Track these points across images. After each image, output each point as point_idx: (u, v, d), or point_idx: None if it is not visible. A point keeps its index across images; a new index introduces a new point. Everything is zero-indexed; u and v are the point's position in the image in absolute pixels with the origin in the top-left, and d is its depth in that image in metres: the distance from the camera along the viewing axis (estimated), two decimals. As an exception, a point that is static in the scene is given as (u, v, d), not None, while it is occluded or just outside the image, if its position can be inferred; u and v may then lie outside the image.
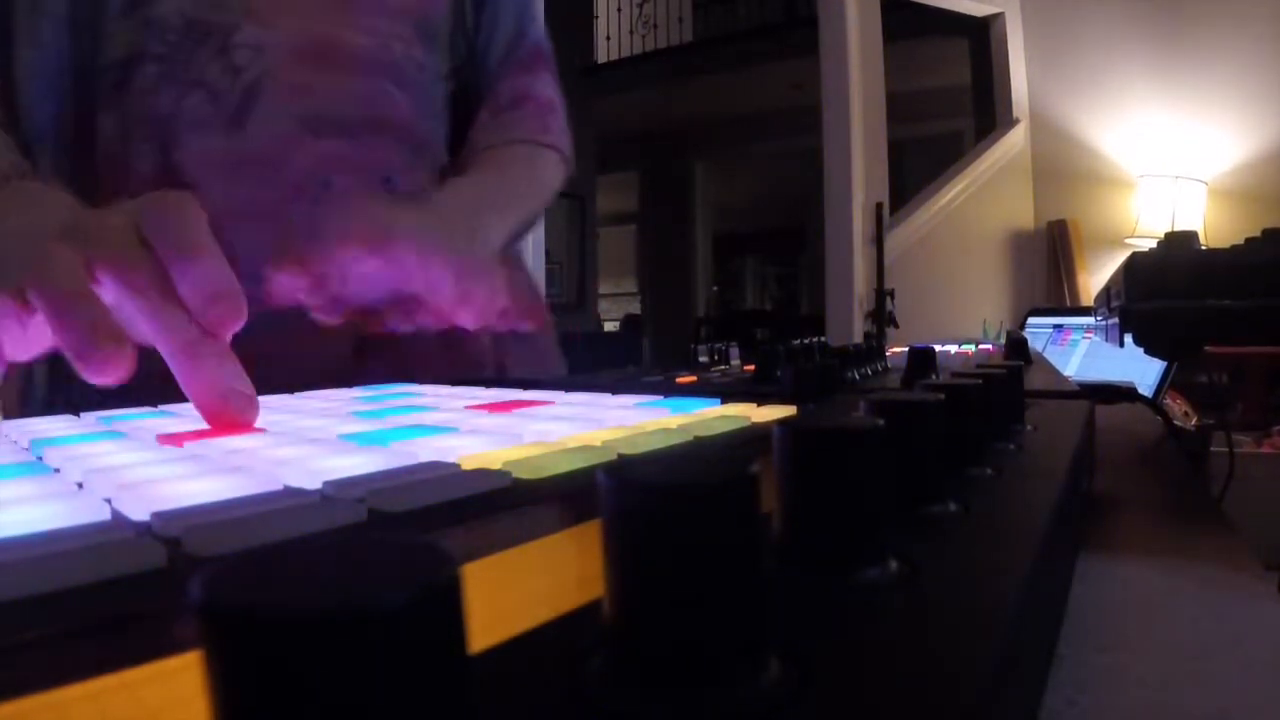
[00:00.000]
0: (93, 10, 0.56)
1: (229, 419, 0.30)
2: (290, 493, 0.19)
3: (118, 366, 0.30)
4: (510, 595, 0.13)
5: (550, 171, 0.70)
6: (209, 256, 0.32)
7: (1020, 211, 3.25)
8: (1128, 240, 2.94)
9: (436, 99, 0.67)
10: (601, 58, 5.65)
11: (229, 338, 0.32)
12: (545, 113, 0.71)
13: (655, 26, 5.66)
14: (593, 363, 0.90)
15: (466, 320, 0.52)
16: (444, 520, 0.18)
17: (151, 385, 0.35)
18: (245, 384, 0.31)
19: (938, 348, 0.63)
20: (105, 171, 0.56)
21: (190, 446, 0.27)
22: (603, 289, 6.39)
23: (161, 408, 0.41)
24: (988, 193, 3.14)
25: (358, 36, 0.60)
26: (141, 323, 0.31)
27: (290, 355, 0.49)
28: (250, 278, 0.52)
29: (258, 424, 0.31)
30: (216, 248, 0.32)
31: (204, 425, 0.30)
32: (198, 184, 0.54)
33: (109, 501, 0.19)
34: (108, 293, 0.31)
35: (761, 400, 0.36)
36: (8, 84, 0.57)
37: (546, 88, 0.72)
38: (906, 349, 0.53)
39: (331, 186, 0.58)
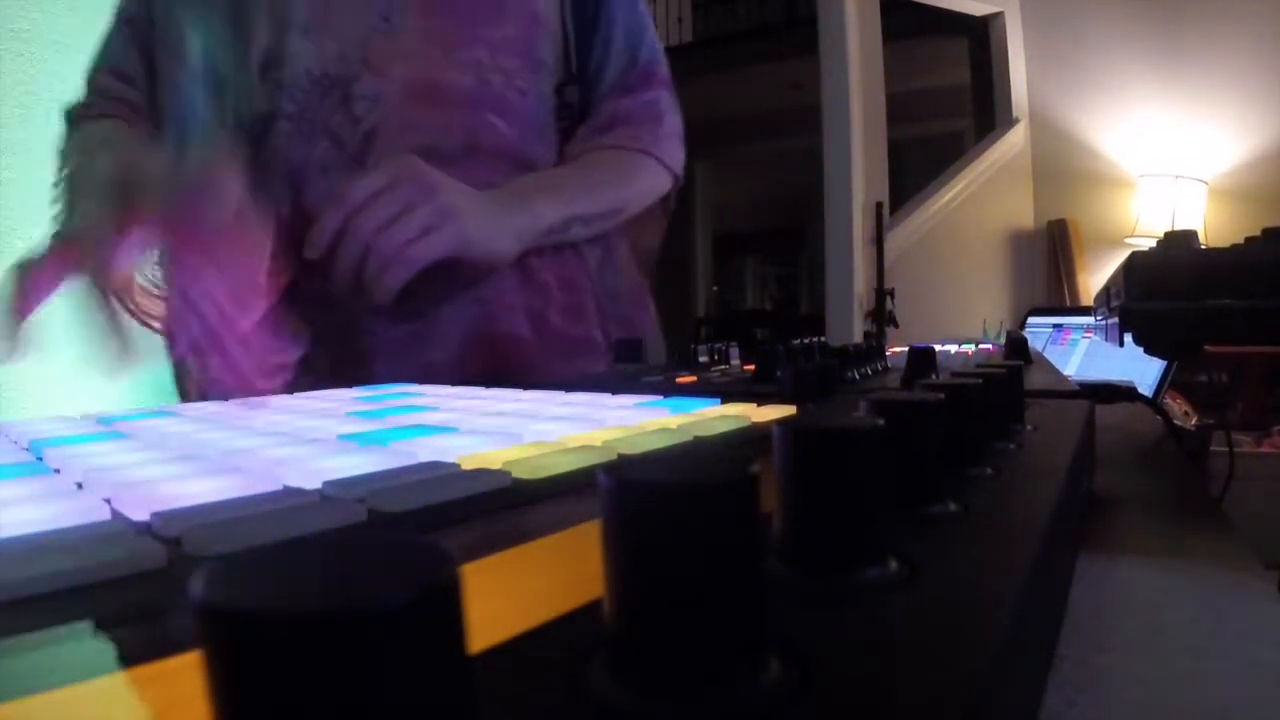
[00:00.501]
0: (234, 68, 0.64)
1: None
2: (290, 493, 0.19)
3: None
4: (510, 595, 0.13)
5: (639, 171, 0.75)
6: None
7: (1020, 211, 3.25)
8: (1128, 240, 2.94)
9: (542, 117, 0.72)
10: (601, 58, 5.64)
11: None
12: (641, 124, 0.76)
13: (655, 26, 5.66)
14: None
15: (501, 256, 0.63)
16: (444, 520, 0.18)
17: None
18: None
19: (938, 347, 0.63)
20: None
21: (185, 446, 0.27)
22: (603, 289, 6.38)
23: (161, 408, 0.41)
24: (988, 193, 3.14)
25: (460, 76, 0.66)
26: None
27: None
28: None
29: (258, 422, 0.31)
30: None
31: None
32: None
33: (109, 501, 0.19)
34: None
35: (761, 400, 0.36)
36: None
37: (650, 104, 0.77)
38: (906, 349, 0.53)
39: None
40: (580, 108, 0.76)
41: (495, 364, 0.66)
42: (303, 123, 0.63)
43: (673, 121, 0.79)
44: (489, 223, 0.62)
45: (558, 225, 0.68)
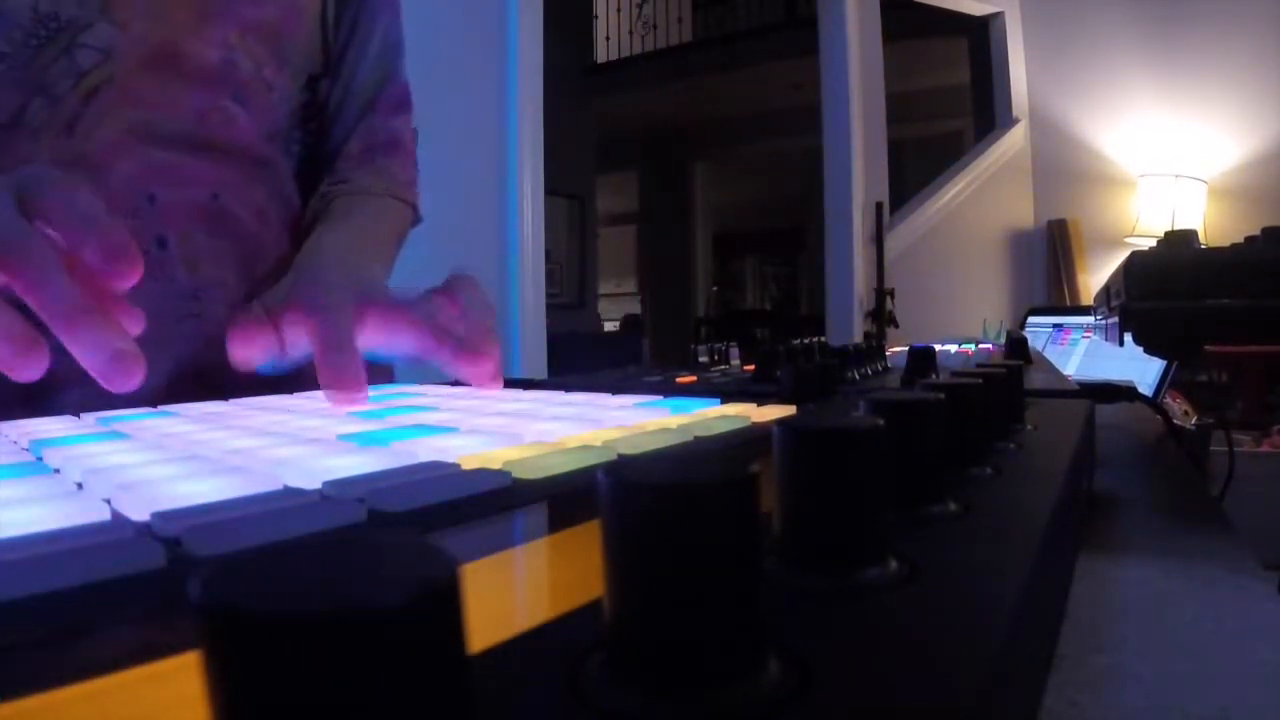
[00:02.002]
0: None
1: (118, 378, 0.33)
2: (290, 493, 0.19)
3: (40, 363, 0.33)
4: (510, 595, 0.13)
5: (407, 227, 0.71)
6: (104, 219, 0.35)
7: (1020, 211, 3.25)
8: (1128, 239, 2.94)
9: (283, 118, 0.65)
10: (601, 58, 5.65)
11: (124, 290, 0.36)
12: (411, 165, 0.71)
13: (655, 26, 5.66)
14: (593, 363, 0.90)
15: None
16: (444, 520, 0.18)
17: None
18: (129, 344, 0.34)
19: (938, 347, 0.63)
20: None
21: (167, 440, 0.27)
22: (603, 289, 6.39)
23: (162, 408, 0.41)
24: (988, 192, 3.14)
25: (206, 49, 0.57)
26: (29, 299, 0.34)
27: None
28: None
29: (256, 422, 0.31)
30: (106, 211, 0.36)
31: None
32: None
33: (109, 501, 0.19)
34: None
35: (761, 400, 0.36)
36: None
37: (410, 134, 0.72)
38: (906, 349, 0.53)
39: (155, 201, 0.55)
40: (332, 110, 0.69)
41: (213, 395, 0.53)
42: (14, 66, 0.51)
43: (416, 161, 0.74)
44: None
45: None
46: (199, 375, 0.54)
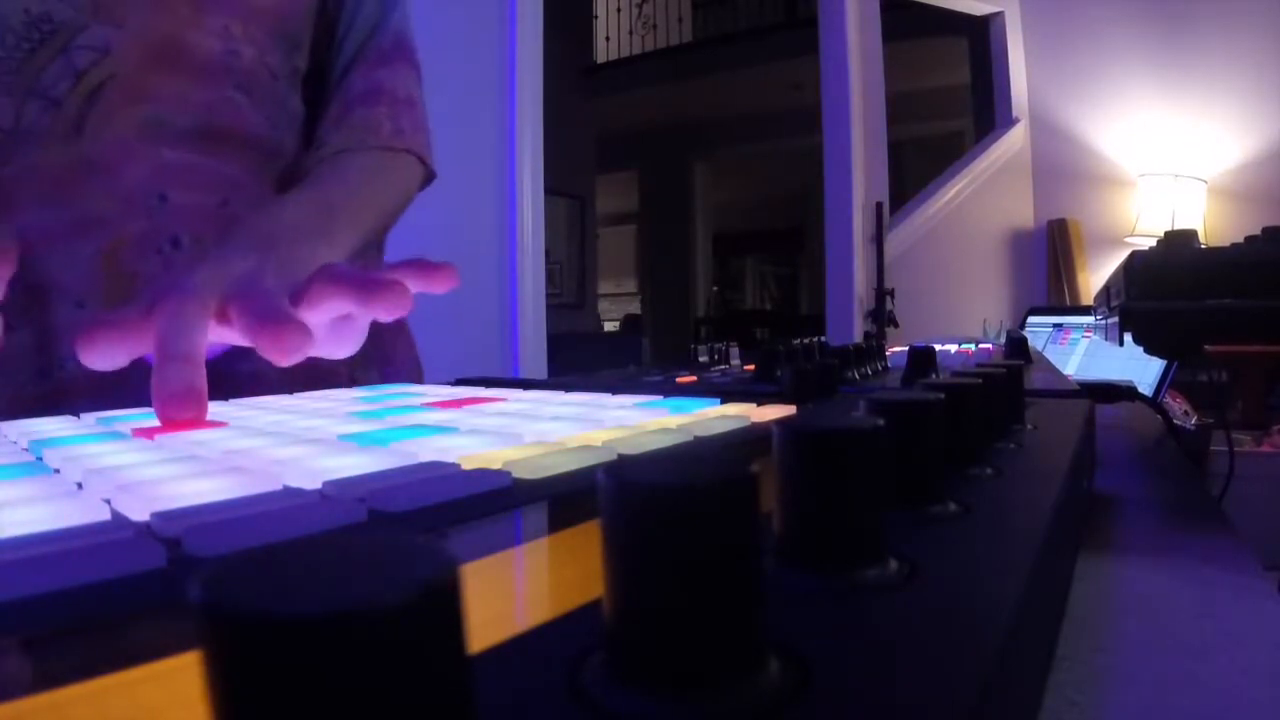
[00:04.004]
0: None
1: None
2: (290, 493, 0.19)
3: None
4: (510, 595, 0.13)
5: (403, 177, 0.66)
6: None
7: (1020, 211, 3.26)
8: (1128, 239, 2.94)
9: (292, 107, 0.63)
10: (601, 58, 5.65)
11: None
12: (400, 112, 0.66)
13: (655, 26, 5.66)
14: (593, 363, 0.90)
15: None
16: (444, 520, 0.18)
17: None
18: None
19: (938, 347, 0.63)
20: None
21: (167, 440, 0.27)
22: (603, 289, 6.39)
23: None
24: (988, 192, 3.14)
25: (207, 39, 0.56)
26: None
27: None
28: (73, 302, 0.51)
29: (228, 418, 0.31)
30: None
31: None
32: (19, 202, 0.50)
33: (109, 501, 0.19)
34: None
35: (761, 400, 0.36)
36: None
37: (404, 82, 0.67)
38: (906, 349, 0.53)
39: (167, 202, 0.55)
40: (321, 72, 0.66)
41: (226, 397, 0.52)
42: (8, 68, 0.51)
43: (424, 107, 0.68)
44: None
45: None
46: (216, 375, 0.53)
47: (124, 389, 0.49)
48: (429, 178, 0.69)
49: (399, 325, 0.70)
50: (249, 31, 0.59)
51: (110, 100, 0.53)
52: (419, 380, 0.69)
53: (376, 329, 0.48)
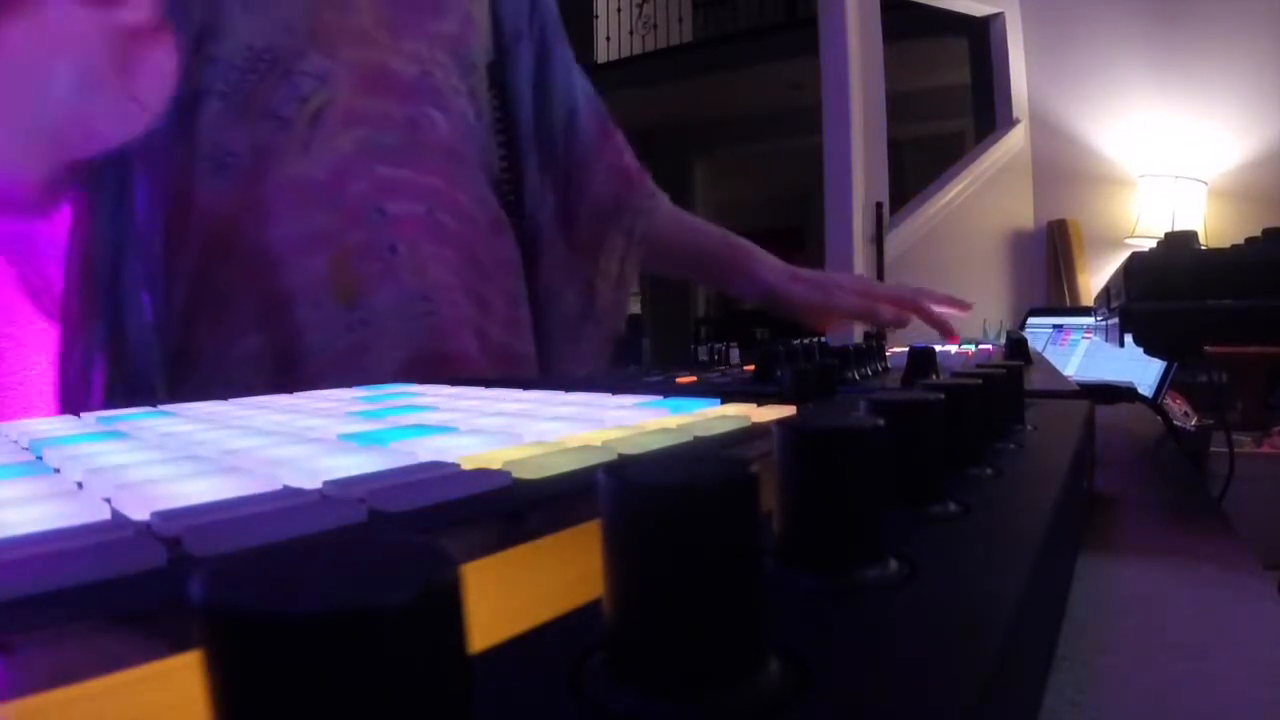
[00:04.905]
0: None
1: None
2: (290, 493, 0.19)
3: None
4: (510, 595, 0.13)
5: None
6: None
7: (1020, 211, 3.25)
8: (1128, 240, 2.94)
9: (469, 118, 0.71)
10: (601, 58, 5.64)
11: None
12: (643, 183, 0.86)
13: (655, 26, 5.66)
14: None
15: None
16: (444, 520, 0.18)
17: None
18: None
19: (938, 348, 0.63)
20: (173, 205, 0.59)
21: (191, 447, 0.27)
22: (603, 289, 6.36)
23: (161, 408, 0.41)
24: (988, 193, 3.14)
25: (406, 64, 0.64)
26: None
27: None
28: (311, 303, 0.59)
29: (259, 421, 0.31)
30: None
31: None
32: (273, 215, 0.58)
33: (109, 501, 0.19)
34: None
35: (761, 400, 0.36)
36: None
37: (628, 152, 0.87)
38: (906, 349, 0.53)
39: (385, 214, 0.62)
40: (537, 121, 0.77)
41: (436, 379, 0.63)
42: (236, 100, 0.58)
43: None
44: None
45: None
46: (432, 363, 0.62)
47: (359, 373, 0.57)
48: None
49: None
50: (435, 55, 0.67)
51: (330, 123, 0.60)
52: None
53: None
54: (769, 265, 0.86)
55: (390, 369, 0.59)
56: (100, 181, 0.57)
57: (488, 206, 0.72)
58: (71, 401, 0.57)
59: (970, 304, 0.86)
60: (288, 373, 0.58)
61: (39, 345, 0.59)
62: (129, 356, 0.57)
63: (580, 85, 0.83)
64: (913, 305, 0.88)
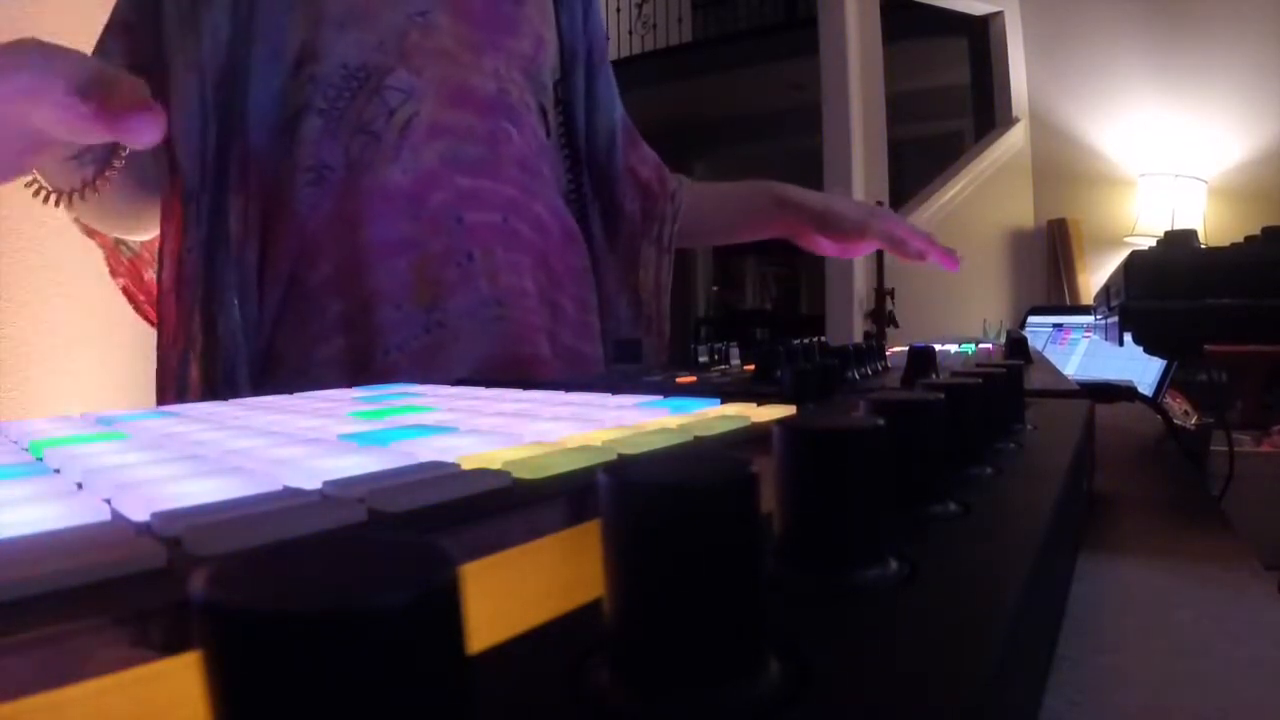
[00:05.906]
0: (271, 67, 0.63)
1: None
2: (290, 493, 0.19)
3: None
4: (510, 595, 0.13)
5: None
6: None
7: (1020, 211, 3.26)
8: (1127, 239, 2.94)
9: (541, 135, 0.76)
10: (601, 58, 5.64)
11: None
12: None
13: (655, 26, 5.66)
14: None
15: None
16: (444, 520, 0.18)
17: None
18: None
19: (938, 347, 0.63)
20: (273, 214, 0.63)
21: (188, 447, 0.27)
22: (602, 289, 6.37)
23: (161, 408, 0.41)
24: (988, 192, 3.14)
25: (485, 81, 0.69)
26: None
27: None
28: (393, 305, 0.62)
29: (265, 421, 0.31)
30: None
31: None
32: (363, 222, 0.62)
33: (109, 501, 0.19)
34: None
35: (761, 400, 0.36)
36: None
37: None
38: (906, 349, 0.53)
39: (463, 223, 0.65)
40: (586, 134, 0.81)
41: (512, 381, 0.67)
42: (334, 116, 0.63)
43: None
44: None
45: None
46: (505, 365, 0.66)
47: (434, 371, 0.61)
48: None
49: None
50: (511, 73, 0.71)
51: (416, 135, 0.64)
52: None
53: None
54: (807, 191, 0.88)
55: (463, 369, 0.63)
56: (195, 194, 0.61)
57: (561, 217, 0.76)
58: (168, 397, 0.62)
59: (959, 260, 0.93)
60: (365, 370, 0.62)
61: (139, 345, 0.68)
62: (219, 358, 0.60)
63: (618, 101, 0.86)
64: (929, 245, 0.95)
